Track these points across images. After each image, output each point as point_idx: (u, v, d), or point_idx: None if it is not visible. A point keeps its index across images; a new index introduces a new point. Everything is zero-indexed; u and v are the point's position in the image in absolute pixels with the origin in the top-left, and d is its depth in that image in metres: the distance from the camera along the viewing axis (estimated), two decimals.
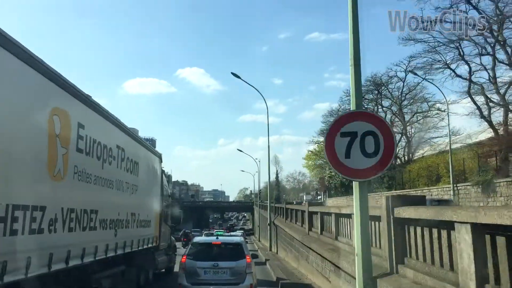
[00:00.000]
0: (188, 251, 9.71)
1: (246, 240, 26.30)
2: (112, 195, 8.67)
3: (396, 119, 40.04)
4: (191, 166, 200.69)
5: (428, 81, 30.45)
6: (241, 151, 56.16)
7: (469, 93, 26.61)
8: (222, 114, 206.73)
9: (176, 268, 13.04)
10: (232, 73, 25.32)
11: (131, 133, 10.38)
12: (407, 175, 30.68)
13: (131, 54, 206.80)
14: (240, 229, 68.23)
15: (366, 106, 45.46)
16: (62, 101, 6.38)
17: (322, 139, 54.72)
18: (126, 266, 10.01)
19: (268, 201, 30.24)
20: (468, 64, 27.02)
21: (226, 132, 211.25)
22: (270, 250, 26.24)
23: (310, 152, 60.39)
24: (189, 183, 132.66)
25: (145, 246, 11.34)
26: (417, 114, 38.59)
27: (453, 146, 25.28)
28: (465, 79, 27.25)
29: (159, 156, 13.91)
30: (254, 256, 10.75)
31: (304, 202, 34.74)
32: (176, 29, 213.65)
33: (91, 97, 7.54)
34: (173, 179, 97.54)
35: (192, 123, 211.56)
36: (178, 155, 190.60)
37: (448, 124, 26.47)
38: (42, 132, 5.73)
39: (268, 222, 27.28)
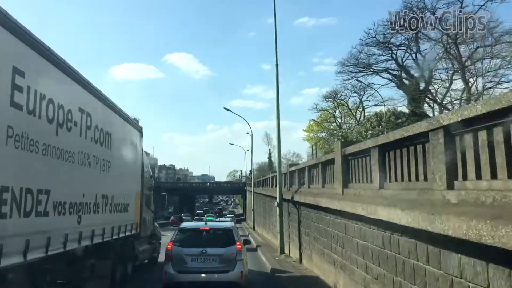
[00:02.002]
0: (174, 237, 9.07)
1: (237, 226, 24.05)
2: (72, 171, 6.71)
3: (449, 56, 29.68)
4: (180, 152, 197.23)
5: None
6: (228, 110, 38.14)
7: None
8: (211, 99, 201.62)
9: (162, 258, 11.53)
10: None
11: (101, 95, 8.34)
12: None
13: (119, 39, 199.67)
14: (230, 213, 66.65)
15: (398, 44, 35.00)
16: None
17: (326, 105, 44.43)
18: (97, 259, 8.17)
19: (277, 161, 16.66)
20: None
21: (215, 117, 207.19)
22: (282, 252, 15.14)
23: (312, 121, 48.38)
24: (177, 168, 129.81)
25: (121, 235, 9.49)
26: (481, 48, 27.50)
27: None
28: None
29: (140, 130, 11.93)
30: (246, 242, 10.12)
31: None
32: (164, 13, 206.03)
33: (34, 34, 5.48)
34: (160, 164, 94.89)
35: (181, 109, 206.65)
36: (167, 141, 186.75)
37: None
38: None
39: (278, 201, 15.48)
